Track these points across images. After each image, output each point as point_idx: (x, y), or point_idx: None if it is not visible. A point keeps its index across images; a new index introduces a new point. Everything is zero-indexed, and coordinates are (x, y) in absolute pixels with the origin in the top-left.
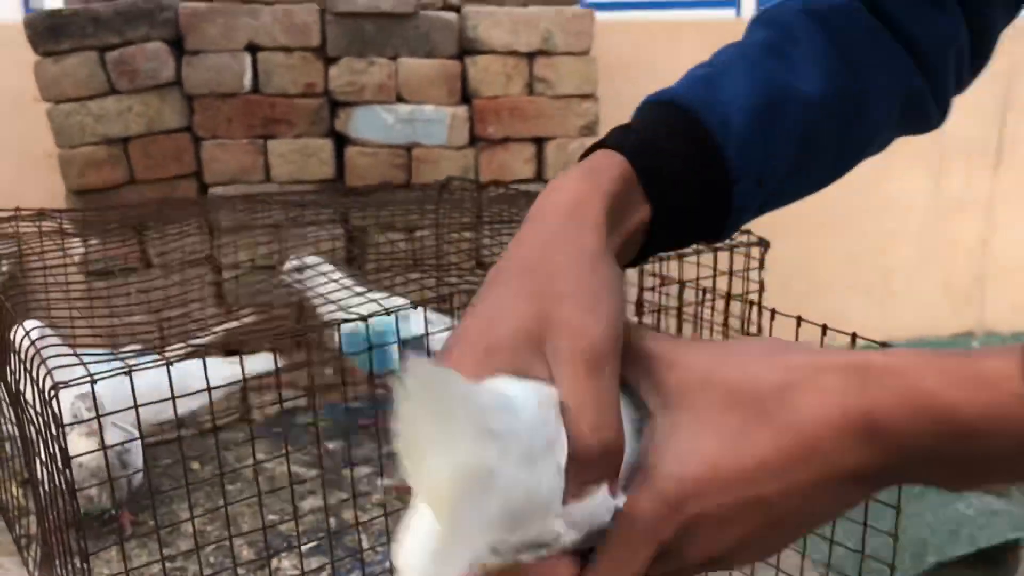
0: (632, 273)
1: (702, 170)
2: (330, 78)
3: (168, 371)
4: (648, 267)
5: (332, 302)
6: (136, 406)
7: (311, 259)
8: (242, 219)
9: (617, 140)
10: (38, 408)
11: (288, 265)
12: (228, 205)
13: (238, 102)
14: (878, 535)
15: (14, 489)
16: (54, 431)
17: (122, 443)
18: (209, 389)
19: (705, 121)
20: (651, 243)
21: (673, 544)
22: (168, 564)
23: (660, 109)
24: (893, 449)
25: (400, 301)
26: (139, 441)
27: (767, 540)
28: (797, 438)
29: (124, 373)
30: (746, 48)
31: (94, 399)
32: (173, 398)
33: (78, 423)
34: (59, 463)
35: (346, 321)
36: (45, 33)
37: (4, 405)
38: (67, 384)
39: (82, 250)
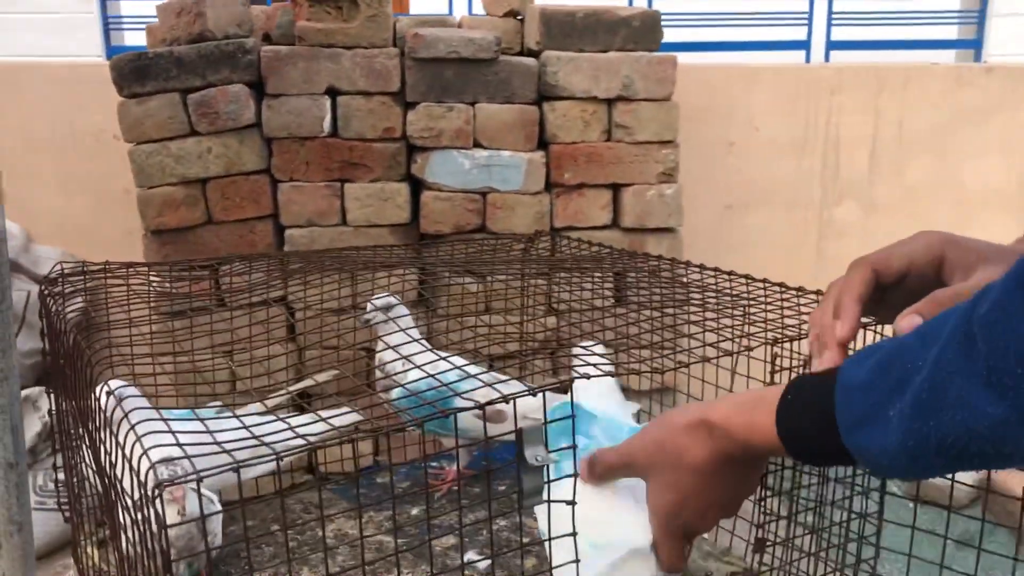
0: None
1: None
2: (408, 123)
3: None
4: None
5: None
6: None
7: (395, 300)
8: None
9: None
10: (135, 498)
11: (376, 301)
12: (306, 258)
13: (316, 145)
14: None
15: (91, 550)
16: (155, 529)
17: (208, 514)
18: (310, 447)
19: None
20: None
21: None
22: None
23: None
24: (722, 446)
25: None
26: (220, 511)
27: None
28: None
29: (233, 470)
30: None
31: (199, 492)
32: (278, 461)
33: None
34: (159, 556)
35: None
36: (130, 75)
37: (84, 466)
38: (172, 482)
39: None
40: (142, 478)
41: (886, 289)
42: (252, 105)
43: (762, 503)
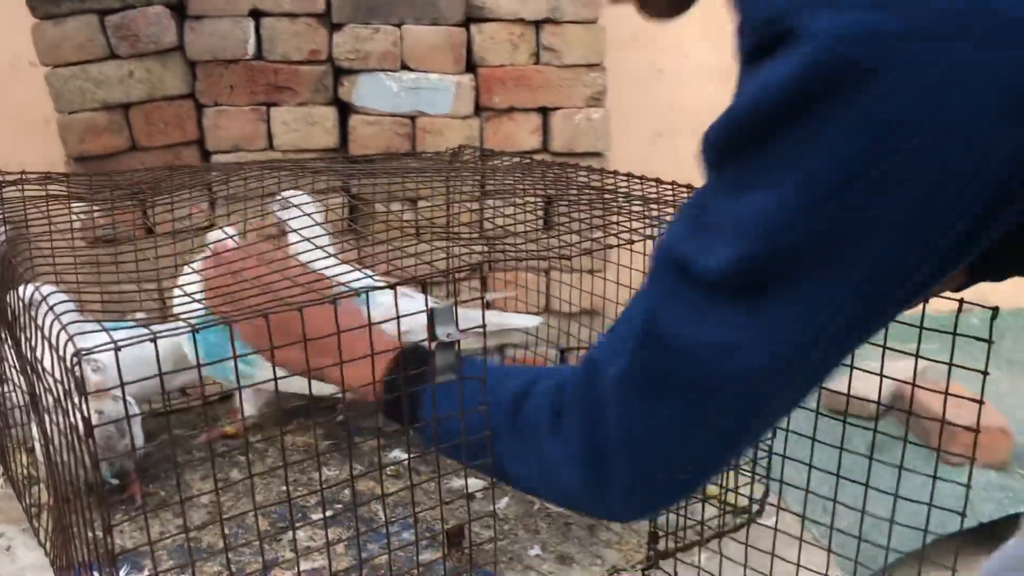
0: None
1: None
2: (334, 44)
3: (194, 339)
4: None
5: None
6: (161, 375)
7: (304, 198)
8: (241, 189)
9: None
10: (58, 376)
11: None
12: (234, 171)
13: (241, 68)
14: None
15: (22, 458)
16: (76, 400)
17: (136, 415)
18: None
19: None
20: None
21: None
22: (182, 535)
23: None
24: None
25: (361, 277)
26: (139, 414)
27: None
28: None
29: (150, 339)
30: None
31: (118, 366)
32: (199, 365)
33: (101, 391)
34: (80, 432)
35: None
36: None
37: (11, 370)
38: (89, 351)
39: (84, 216)
40: (62, 352)
41: None
42: (173, 27)
43: None
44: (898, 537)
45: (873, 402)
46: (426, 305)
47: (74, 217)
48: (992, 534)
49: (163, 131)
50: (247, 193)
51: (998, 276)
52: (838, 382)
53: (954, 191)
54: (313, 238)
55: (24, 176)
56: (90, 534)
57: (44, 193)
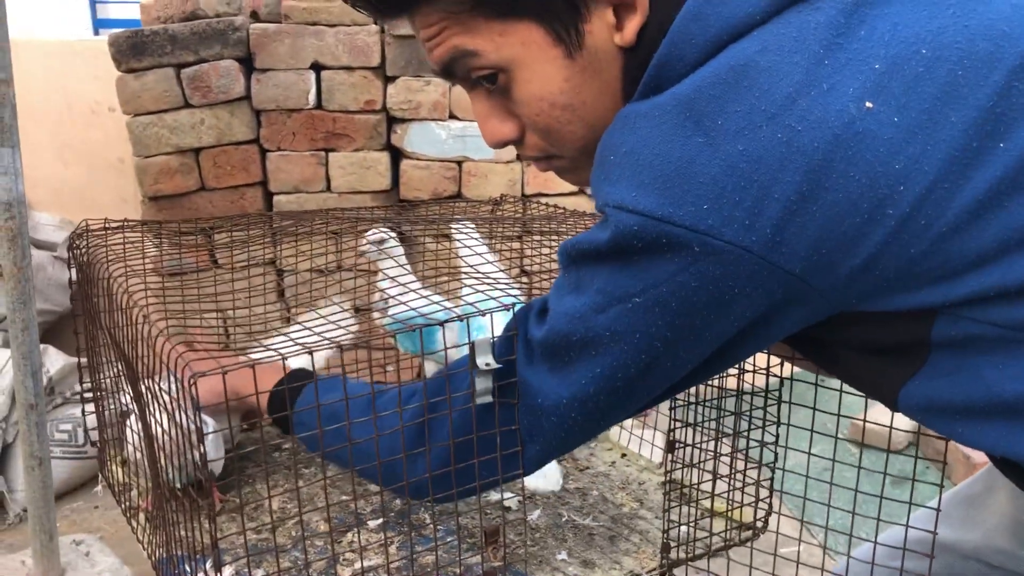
0: None
1: None
2: (388, 96)
3: (284, 363)
4: None
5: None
6: (256, 393)
7: (387, 234)
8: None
9: None
10: (174, 393)
11: (371, 236)
12: (293, 219)
13: (302, 116)
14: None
15: (115, 468)
16: (191, 414)
17: (222, 429)
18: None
19: None
20: None
21: None
22: (256, 535)
23: None
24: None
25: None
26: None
27: None
28: None
29: (248, 367)
30: None
31: (225, 390)
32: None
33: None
34: (193, 440)
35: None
36: (127, 51)
37: (113, 386)
38: (204, 374)
39: (155, 252)
40: (187, 383)
41: None
42: (242, 79)
43: (672, 411)
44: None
45: (899, 430)
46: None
47: (153, 254)
48: None
49: (230, 173)
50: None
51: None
52: (868, 412)
53: (685, 334)
54: (403, 275)
55: (126, 223)
56: (193, 526)
57: (123, 239)
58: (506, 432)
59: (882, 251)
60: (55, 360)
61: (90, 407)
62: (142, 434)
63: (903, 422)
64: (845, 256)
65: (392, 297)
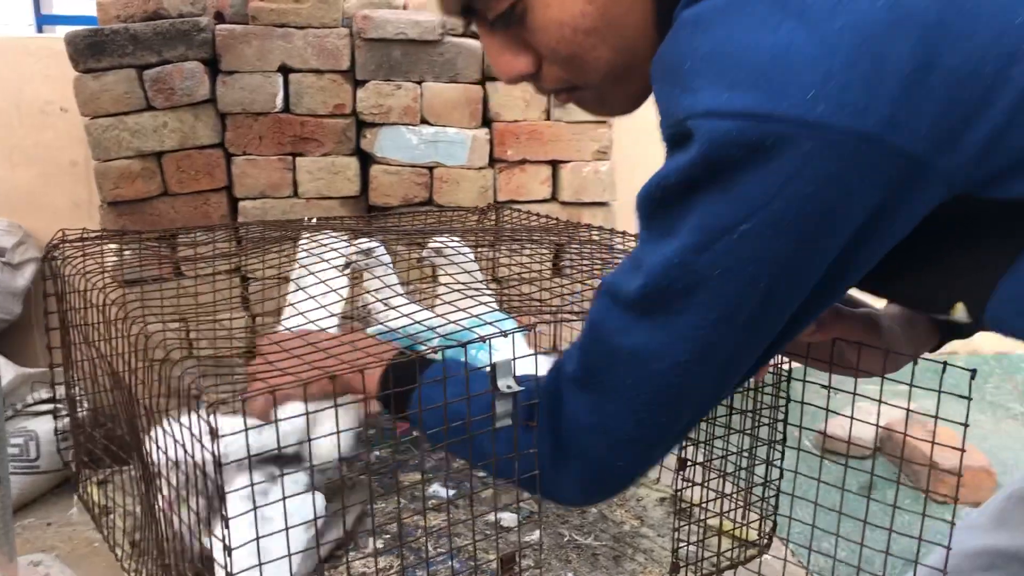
0: None
1: None
2: (358, 99)
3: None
4: None
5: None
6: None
7: (376, 243)
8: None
9: None
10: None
11: (359, 245)
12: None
13: (269, 120)
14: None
15: (92, 489)
16: (208, 442)
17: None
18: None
19: None
20: None
21: None
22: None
23: None
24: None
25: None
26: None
27: None
28: None
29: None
30: None
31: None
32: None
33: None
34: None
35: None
36: (85, 50)
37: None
38: (222, 401)
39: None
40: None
41: None
42: (207, 81)
43: None
44: (889, 572)
45: (862, 446)
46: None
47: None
48: None
49: (193, 178)
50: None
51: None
52: (836, 426)
53: (799, 247)
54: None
55: (104, 233)
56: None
57: (82, 253)
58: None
59: (1010, 121)
60: (6, 371)
61: (63, 423)
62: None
63: (867, 432)
64: (969, 130)
65: (376, 311)
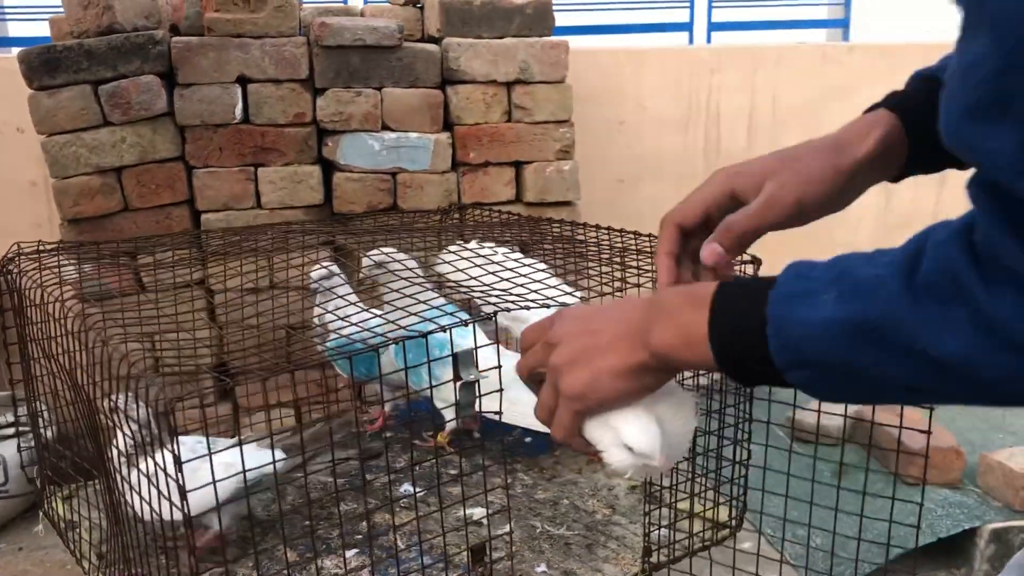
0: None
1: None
2: (318, 108)
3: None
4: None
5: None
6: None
7: (336, 268)
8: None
9: (889, 100)
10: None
11: (316, 273)
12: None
13: (229, 131)
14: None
15: (58, 504)
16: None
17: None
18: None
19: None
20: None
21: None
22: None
23: (919, 79)
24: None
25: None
26: None
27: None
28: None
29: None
30: None
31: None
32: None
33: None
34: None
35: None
36: (39, 68)
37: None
38: (189, 460)
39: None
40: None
41: (695, 236)
42: (164, 95)
43: None
44: (863, 555)
45: (832, 435)
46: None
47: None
48: (951, 549)
49: (154, 192)
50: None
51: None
52: (805, 413)
53: None
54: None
55: (20, 248)
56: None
57: (38, 264)
58: None
59: None
60: None
61: (26, 441)
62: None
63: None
64: None
65: (334, 327)
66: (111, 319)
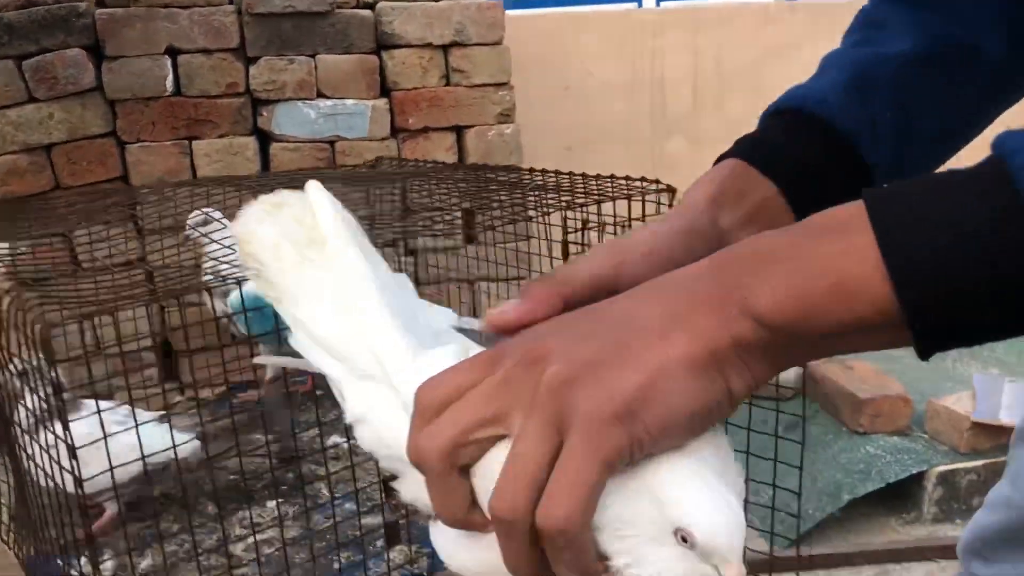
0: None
1: (809, 143)
2: (251, 77)
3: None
4: (571, 214)
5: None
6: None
7: (216, 213)
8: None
9: (733, 147)
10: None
11: (192, 219)
12: (156, 193)
13: (161, 104)
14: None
15: None
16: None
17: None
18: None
19: (804, 108)
20: (798, 209)
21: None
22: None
23: (767, 117)
24: (769, 319)
25: None
26: None
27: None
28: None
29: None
30: (838, 49)
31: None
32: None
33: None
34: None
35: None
36: None
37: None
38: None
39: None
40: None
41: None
42: (91, 68)
43: None
44: (815, 505)
45: (786, 387)
46: None
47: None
48: (900, 495)
49: (86, 169)
50: (176, 223)
51: None
52: None
53: None
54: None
55: None
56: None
57: None
58: None
59: None
60: None
61: None
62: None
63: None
64: None
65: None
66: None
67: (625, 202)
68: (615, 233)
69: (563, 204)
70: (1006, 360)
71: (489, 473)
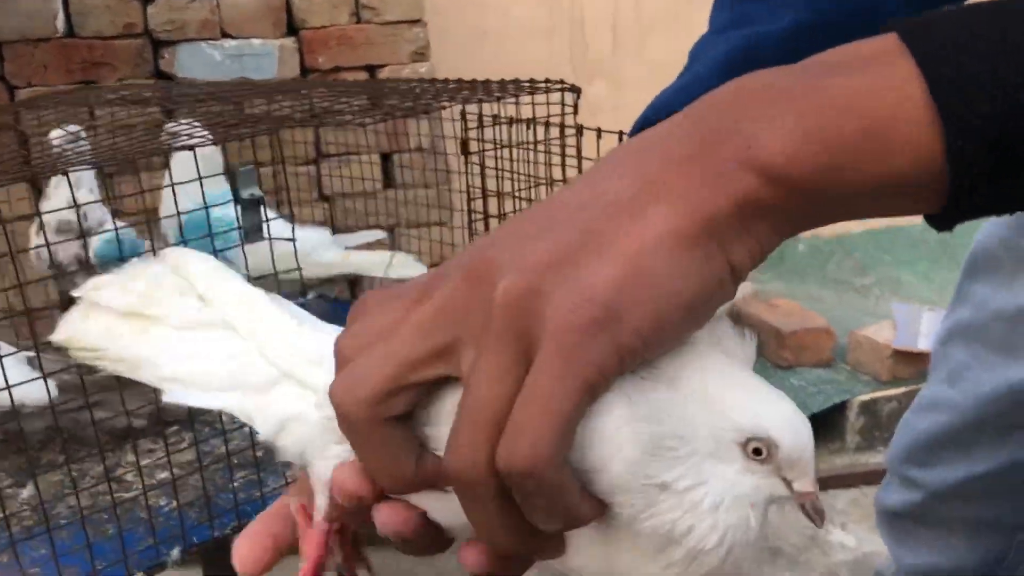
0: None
1: None
2: (149, 16)
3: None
4: (472, 108)
5: None
6: None
7: (84, 133)
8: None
9: None
10: None
11: (56, 133)
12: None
13: (53, 46)
14: None
15: None
16: None
17: None
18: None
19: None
20: None
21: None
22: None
23: (636, 132)
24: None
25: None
26: None
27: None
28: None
29: None
30: (706, 35)
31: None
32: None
33: None
34: None
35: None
36: None
37: None
38: None
39: None
40: None
41: None
42: None
43: None
44: None
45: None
46: None
47: None
48: (824, 425)
49: None
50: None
51: None
52: None
53: None
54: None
55: None
56: None
57: None
58: None
59: None
60: None
61: None
62: None
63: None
64: None
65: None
66: None
67: (529, 100)
68: (518, 132)
69: (462, 99)
70: (926, 296)
71: (441, 418)
